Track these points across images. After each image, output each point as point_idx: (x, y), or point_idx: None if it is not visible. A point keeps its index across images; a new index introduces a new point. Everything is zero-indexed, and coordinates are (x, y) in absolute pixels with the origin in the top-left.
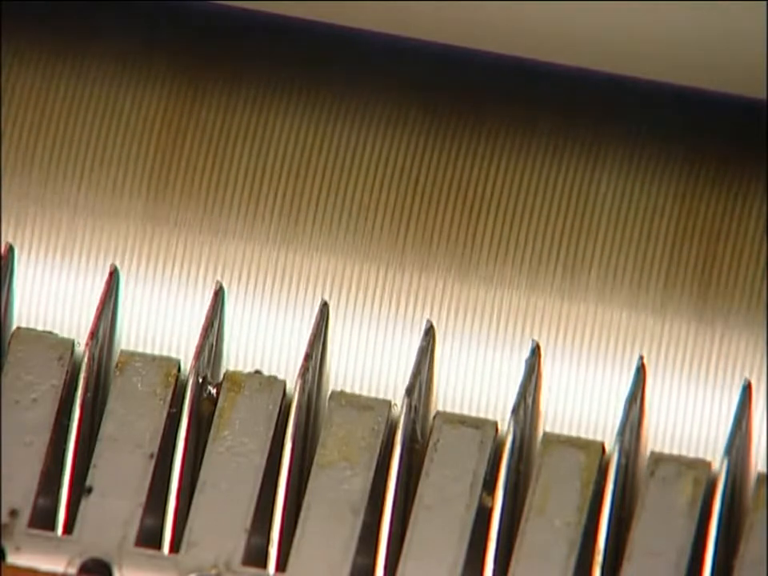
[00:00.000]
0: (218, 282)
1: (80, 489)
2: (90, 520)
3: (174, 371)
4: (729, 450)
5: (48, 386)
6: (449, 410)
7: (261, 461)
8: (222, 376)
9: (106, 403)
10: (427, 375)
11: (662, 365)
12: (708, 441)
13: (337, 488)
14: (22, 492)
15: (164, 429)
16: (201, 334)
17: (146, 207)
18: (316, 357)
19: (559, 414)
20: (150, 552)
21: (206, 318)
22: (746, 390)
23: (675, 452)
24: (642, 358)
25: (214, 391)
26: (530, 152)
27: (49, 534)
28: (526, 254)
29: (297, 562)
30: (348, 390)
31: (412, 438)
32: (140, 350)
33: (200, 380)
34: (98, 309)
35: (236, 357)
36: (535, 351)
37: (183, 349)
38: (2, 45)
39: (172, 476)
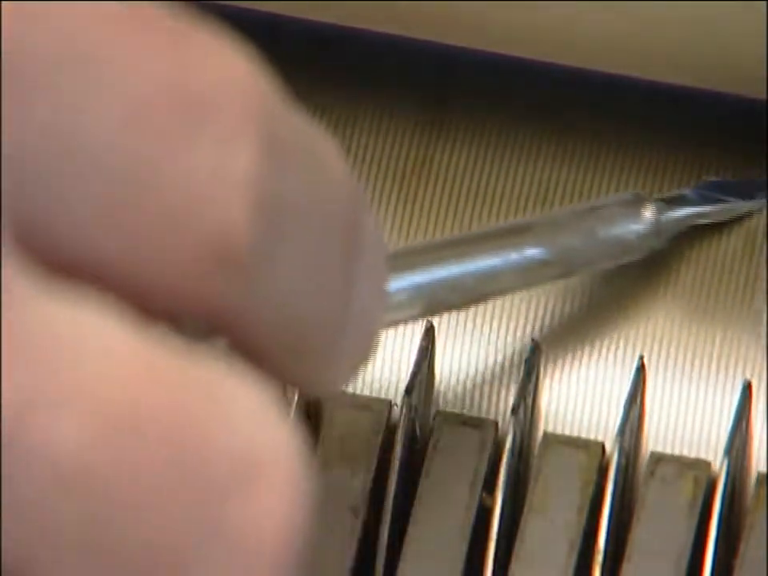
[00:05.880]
0: None
1: None
2: None
3: None
4: (729, 450)
5: None
6: (449, 409)
7: None
8: None
9: None
10: (427, 375)
11: (662, 365)
12: (708, 441)
13: (337, 488)
14: None
15: None
16: None
17: None
18: None
19: (559, 414)
20: None
21: None
22: (746, 389)
23: (675, 452)
24: (642, 357)
25: None
26: (528, 150)
27: None
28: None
29: None
30: (348, 390)
31: (412, 438)
32: None
33: None
34: None
35: None
36: (535, 351)
37: None
38: None
39: None
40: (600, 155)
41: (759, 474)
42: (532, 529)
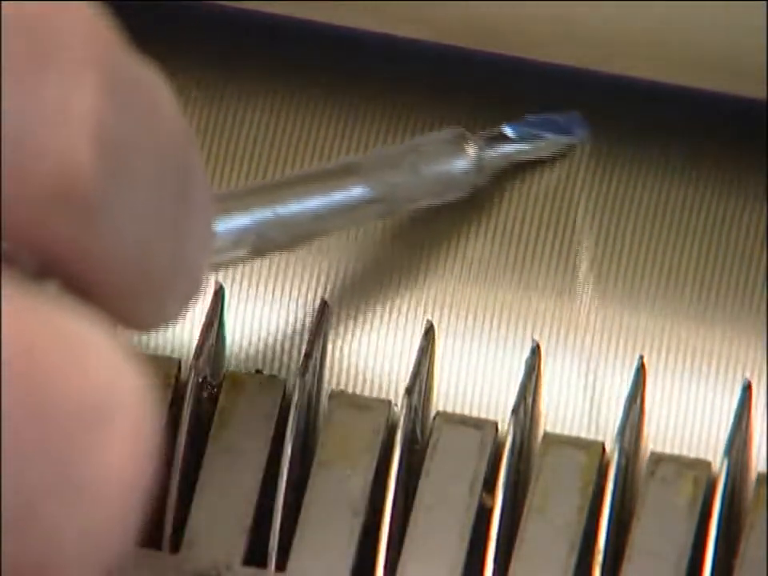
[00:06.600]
0: (217, 282)
1: None
2: None
3: (174, 371)
4: (729, 450)
5: None
6: (449, 410)
7: (261, 461)
8: (221, 376)
9: None
10: (427, 375)
11: (662, 365)
12: (708, 441)
13: (337, 488)
14: None
15: (164, 429)
16: (201, 334)
17: None
18: (316, 357)
19: (559, 414)
20: (150, 552)
21: (206, 317)
22: (746, 390)
23: (675, 452)
24: (642, 357)
25: (214, 391)
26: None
27: None
28: (525, 253)
29: (297, 562)
30: (348, 390)
31: (412, 438)
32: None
33: (200, 380)
34: None
35: (236, 357)
36: (535, 351)
37: (184, 349)
38: None
39: (172, 476)
40: (597, 154)
41: (759, 474)
42: (532, 529)
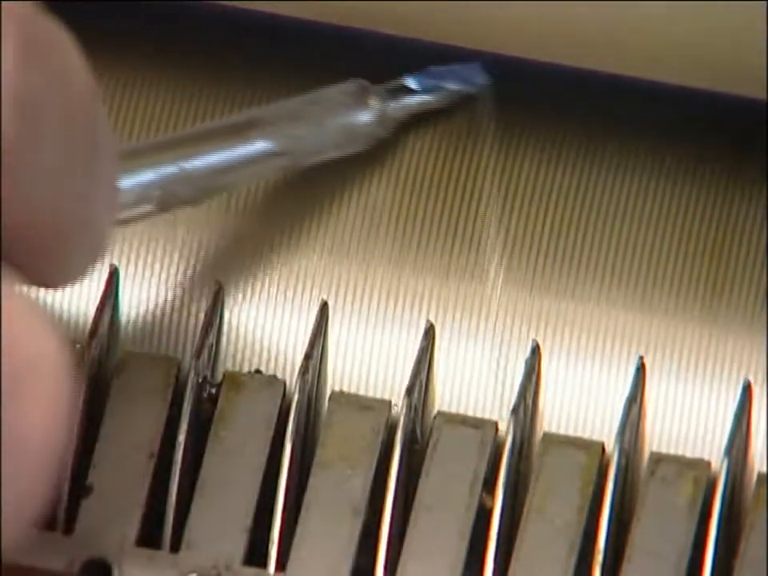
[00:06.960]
0: (217, 281)
1: (80, 488)
2: (90, 520)
3: (174, 371)
4: (729, 450)
5: None
6: (449, 410)
7: (261, 461)
8: (222, 376)
9: (106, 403)
10: (427, 375)
11: (662, 365)
12: (708, 441)
13: (337, 488)
14: None
15: (164, 429)
16: (200, 334)
17: None
18: (316, 357)
19: (559, 414)
20: (150, 552)
21: (206, 317)
22: (746, 390)
23: (675, 452)
24: (642, 357)
25: (213, 391)
26: (520, 151)
27: (49, 533)
28: (525, 252)
29: (297, 562)
30: (348, 390)
31: (412, 438)
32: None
33: (200, 380)
34: (97, 309)
35: (236, 357)
36: (535, 351)
37: (183, 349)
38: None
39: (172, 476)
40: (598, 156)
41: (759, 474)
42: (532, 529)
